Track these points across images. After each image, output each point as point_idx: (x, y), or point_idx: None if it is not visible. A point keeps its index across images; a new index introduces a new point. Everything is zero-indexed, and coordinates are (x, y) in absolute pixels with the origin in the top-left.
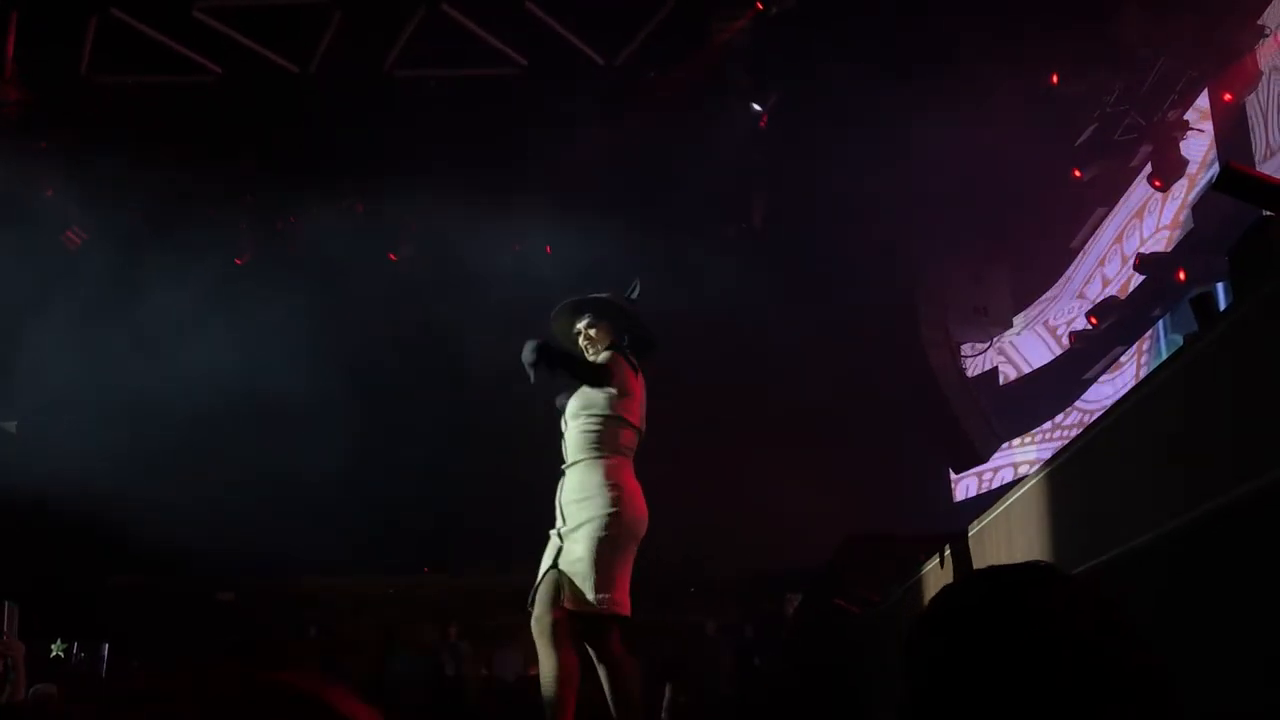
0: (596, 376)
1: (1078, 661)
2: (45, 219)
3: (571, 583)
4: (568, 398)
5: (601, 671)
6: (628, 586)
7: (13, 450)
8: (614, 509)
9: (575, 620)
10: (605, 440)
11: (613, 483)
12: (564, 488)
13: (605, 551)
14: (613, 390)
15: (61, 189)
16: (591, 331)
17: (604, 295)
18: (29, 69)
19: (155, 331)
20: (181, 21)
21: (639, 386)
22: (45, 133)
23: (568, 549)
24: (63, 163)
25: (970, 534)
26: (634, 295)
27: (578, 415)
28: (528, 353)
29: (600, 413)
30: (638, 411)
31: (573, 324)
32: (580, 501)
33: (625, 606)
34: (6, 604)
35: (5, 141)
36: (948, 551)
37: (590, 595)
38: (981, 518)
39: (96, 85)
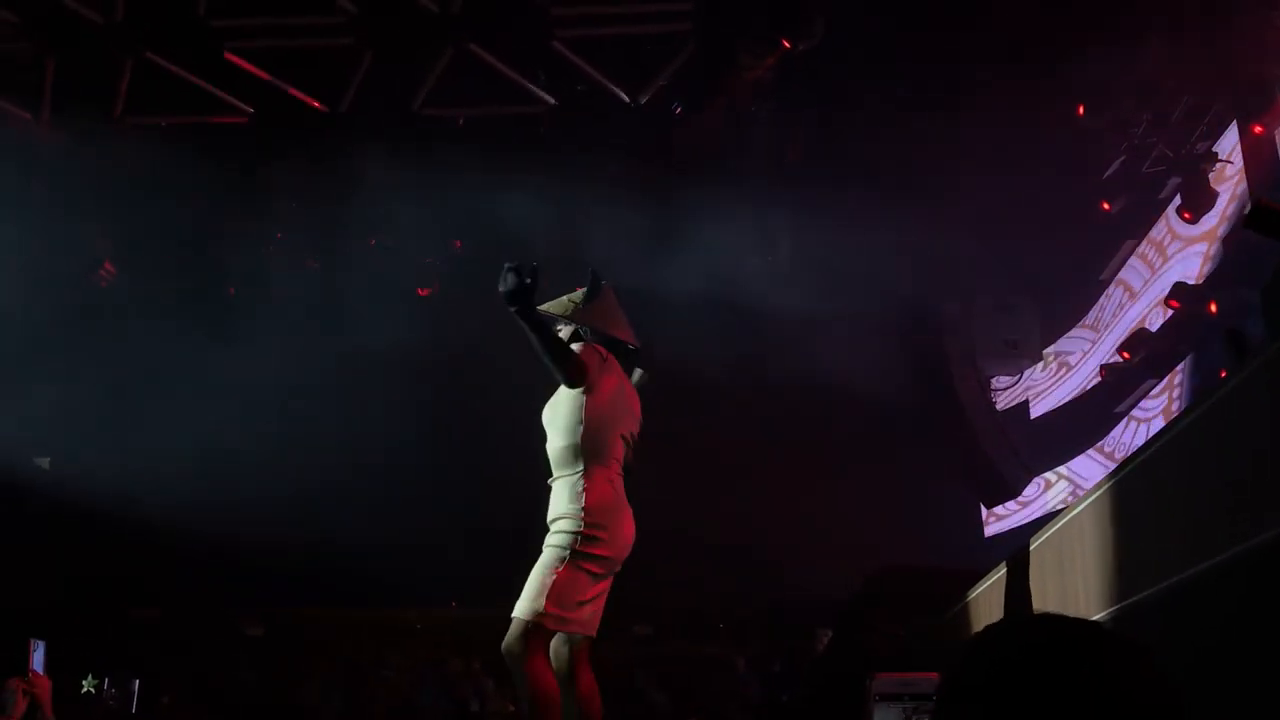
0: (566, 362)
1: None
2: (79, 256)
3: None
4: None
5: (517, 680)
6: (590, 606)
7: (46, 485)
8: (582, 530)
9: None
10: (583, 451)
11: (587, 504)
12: (549, 505)
13: (559, 568)
14: (584, 392)
15: (95, 228)
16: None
17: (565, 301)
18: (64, 111)
19: (183, 365)
20: (213, 63)
21: (611, 382)
22: (80, 174)
23: None
24: (97, 202)
25: (1007, 569)
26: (590, 293)
27: (553, 424)
28: (508, 282)
29: (576, 420)
30: (613, 411)
31: None
32: (555, 520)
33: (568, 623)
34: (31, 640)
35: (41, 182)
36: (986, 585)
37: (526, 602)
38: (1017, 553)
39: (130, 126)
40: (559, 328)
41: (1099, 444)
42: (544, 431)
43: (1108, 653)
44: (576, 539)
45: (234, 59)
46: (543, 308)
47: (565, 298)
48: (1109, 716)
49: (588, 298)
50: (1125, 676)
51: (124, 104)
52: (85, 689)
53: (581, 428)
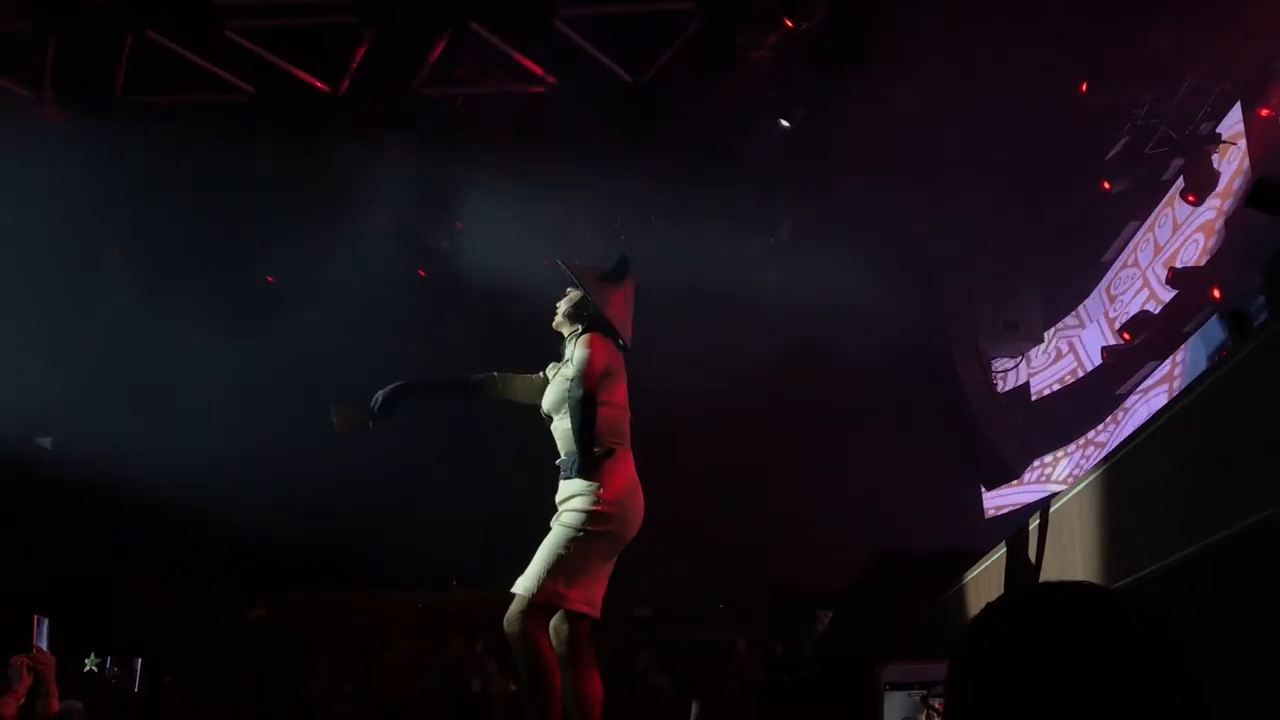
0: (585, 405)
1: (1126, 685)
2: (81, 235)
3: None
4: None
5: (518, 656)
6: (596, 586)
7: (49, 464)
8: (596, 507)
9: (515, 602)
10: (604, 432)
11: (605, 483)
12: (560, 487)
13: (569, 547)
14: (604, 378)
15: (97, 206)
16: (561, 303)
17: (586, 266)
18: (65, 89)
19: (188, 347)
20: (214, 41)
21: (623, 365)
22: (81, 152)
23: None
24: (99, 181)
25: (1006, 550)
26: (611, 274)
27: (561, 409)
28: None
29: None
30: (624, 392)
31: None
32: (569, 499)
33: (574, 601)
34: (36, 616)
35: (43, 160)
36: (985, 566)
37: (529, 580)
38: (1016, 533)
39: (131, 105)
40: (569, 290)
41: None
42: (547, 414)
43: (1110, 617)
44: (590, 518)
45: (235, 37)
46: (566, 264)
47: (587, 264)
48: (1114, 680)
49: (610, 276)
50: (1129, 640)
51: (124, 82)
52: (88, 668)
53: (603, 409)
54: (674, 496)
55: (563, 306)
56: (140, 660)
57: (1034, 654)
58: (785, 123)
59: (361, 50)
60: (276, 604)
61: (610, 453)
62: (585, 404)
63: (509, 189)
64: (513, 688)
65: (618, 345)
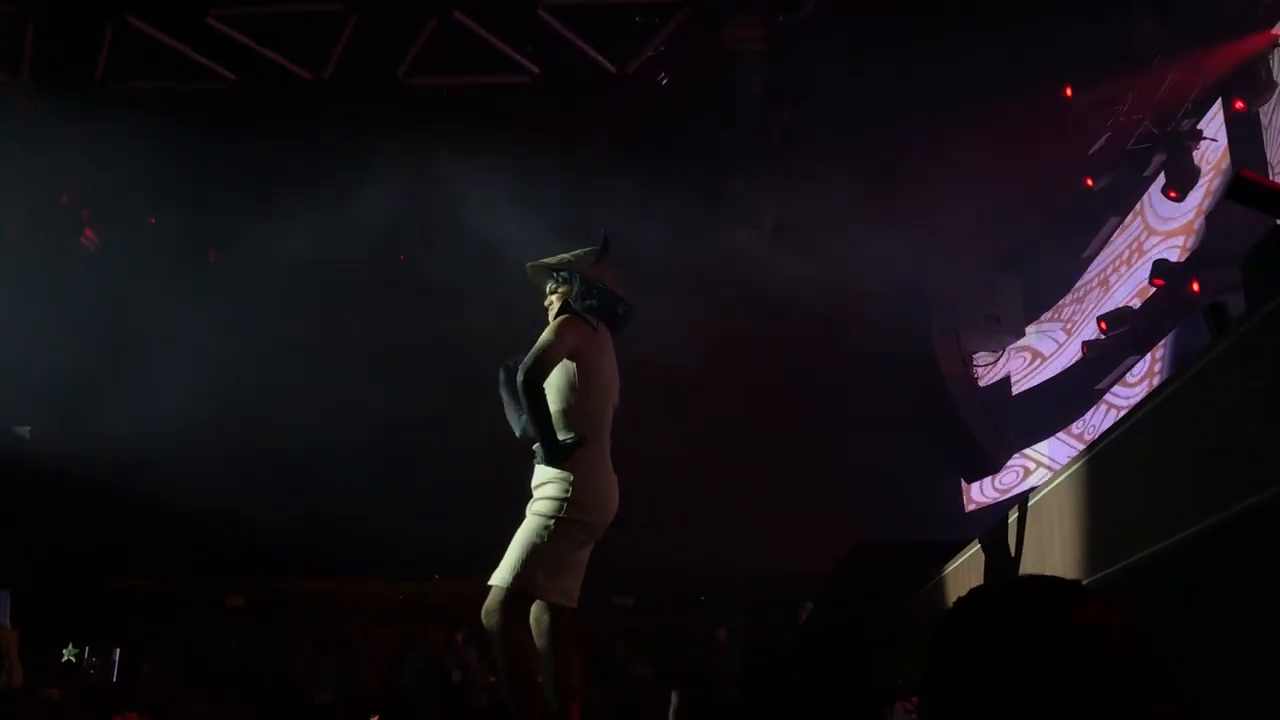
0: (526, 389)
1: (1097, 677)
2: (59, 221)
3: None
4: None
5: (496, 648)
6: (571, 575)
7: (27, 454)
8: (567, 497)
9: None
10: (569, 418)
11: (576, 471)
12: (534, 471)
13: (543, 536)
14: (570, 362)
15: (77, 193)
16: (553, 299)
17: (568, 257)
18: (45, 75)
19: (164, 335)
20: (196, 28)
21: (602, 349)
22: (61, 138)
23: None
24: (78, 167)
25: (985, 541)
26: (600, 251)
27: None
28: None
29: (569, 386)
30: (603, 378)
31: (544, 286)
32: (539, 487)
33: (549, 591)
34: None
35: (22, 146)
36: (965, 558)
37: (505, 570)
38: (996, 525)
39: (112, 91)
40: (551, 284)
41: (1070, 427)
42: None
43: (1063, 603)
44: (562, 506)
45: (218, 25)
46: (546, 260)
47: (568, 254)
48: (1086, 672)
49: (600, 254)
50: (1096, 629)
51: (105, 68)
52: (66, 658)
53: (575, 395)
54: (655, 486)
55: (551, 302)
56: (119, 650)
57: (1005, 647)
58: (766, 117)
59: (345, 38)
60: (256, 593)
61: (582, 440)
62: (526, 389)
63: (492, 178)
64: (493, 679)
65: (592, 327)
